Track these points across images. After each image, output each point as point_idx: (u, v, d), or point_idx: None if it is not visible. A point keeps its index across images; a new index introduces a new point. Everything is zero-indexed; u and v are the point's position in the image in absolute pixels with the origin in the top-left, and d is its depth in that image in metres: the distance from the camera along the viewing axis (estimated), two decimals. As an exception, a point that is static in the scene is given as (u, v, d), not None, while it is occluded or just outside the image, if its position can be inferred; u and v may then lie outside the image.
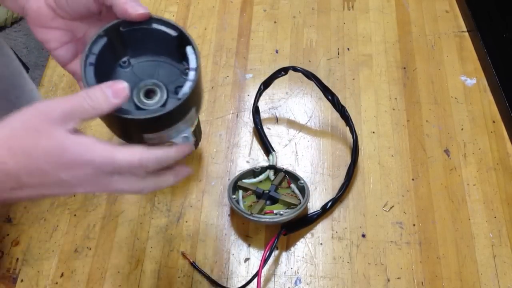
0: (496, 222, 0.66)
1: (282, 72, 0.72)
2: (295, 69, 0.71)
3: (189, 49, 0.44)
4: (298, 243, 0.65)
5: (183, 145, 0.43)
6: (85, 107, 0.37)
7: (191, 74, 0.43)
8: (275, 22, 0.86)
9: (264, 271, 0.63)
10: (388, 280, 0.62)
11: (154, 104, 0.43)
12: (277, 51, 0.82)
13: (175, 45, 0.45)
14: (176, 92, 0.44)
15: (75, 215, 0.68)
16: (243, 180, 0.67)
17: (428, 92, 0.77)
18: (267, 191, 0.65)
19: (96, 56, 0.42)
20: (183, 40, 0.44)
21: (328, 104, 0.73)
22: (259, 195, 0.65)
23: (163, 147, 0.41)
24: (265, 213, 0.63)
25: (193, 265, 0.63)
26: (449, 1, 0.87)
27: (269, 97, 0.77)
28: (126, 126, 0.42)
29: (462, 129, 0.74)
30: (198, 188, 0.69)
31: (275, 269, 0.63)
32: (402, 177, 0.70)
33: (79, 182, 0.38)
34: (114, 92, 0.38)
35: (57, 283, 0.63)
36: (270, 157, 0.70)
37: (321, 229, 0.66)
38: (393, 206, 0.67)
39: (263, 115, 0.75)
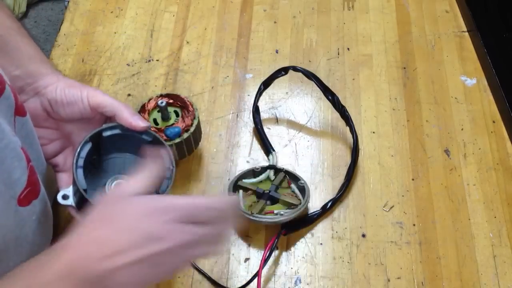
0: (496, 222, 0.66)
1: (282, 72, 0.72)
2: (295, 69, 0.71)
3: (163, 151, 0.50)
4: (298, 243, 0.65)
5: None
6: None
7: (168, 173, 0.49)
8: (275, 22, 0.86)
9: (264, 271, 0.63)
10: (388, 280, 0.62)
11: None
12: (277, 51, 0.82)
13: (145, 145, 0.51)
14: None
15: (75, 215, 0.67)
16: (243, 180, 0.67)
17: (428, 92, 0.77)
18: (267, 191, 0.65)
19: (84, 159, 0.48)
20: (156, 143, 0.51)
21: (328, 104, 0.73)
22: (259, 195, 0.65)
23: None
24: (265, 213, 0.63)
25: (193, 265, 0.63)
26: (449, 1, 0.87)
27: (269, 97, 0.77)
28: None
29: (462, 129, 0.74)
30: (198, 188, 0.69)
31: (275, 269, 0.63)
32: (402, 177, 0.70)
33: None
34: None
35: (57, 283, 0.63)
36: (270, 157, 0.70)
37: (321, 229, 0.66)
38: (393, 206, 0.67)
39: (263, 115, 0.75)
